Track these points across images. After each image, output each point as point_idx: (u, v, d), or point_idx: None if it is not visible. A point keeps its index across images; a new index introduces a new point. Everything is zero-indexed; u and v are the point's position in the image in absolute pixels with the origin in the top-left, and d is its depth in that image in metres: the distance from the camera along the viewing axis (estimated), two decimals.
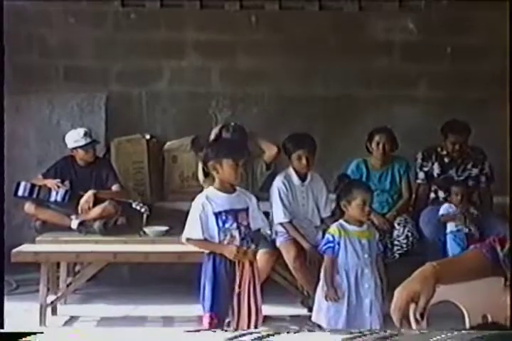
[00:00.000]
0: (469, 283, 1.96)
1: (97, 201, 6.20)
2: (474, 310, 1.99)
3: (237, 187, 4.65)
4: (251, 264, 4.56)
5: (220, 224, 4.44)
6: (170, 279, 6.22)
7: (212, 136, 5.92)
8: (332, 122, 7.44)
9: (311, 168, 5.63)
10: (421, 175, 6.50)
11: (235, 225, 4.47)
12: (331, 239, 4.74)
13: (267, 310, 4.98)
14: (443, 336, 1.47)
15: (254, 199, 4.70)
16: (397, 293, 1.93)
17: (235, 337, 1.50)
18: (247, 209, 4.56)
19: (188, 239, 4.57)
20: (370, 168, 6.36)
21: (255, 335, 1.48)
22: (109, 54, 7.41)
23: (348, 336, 1.48)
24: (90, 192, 6.17)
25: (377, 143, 6.25)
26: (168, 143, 7.27)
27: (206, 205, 4.44)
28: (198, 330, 4.00)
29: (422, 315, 1.86)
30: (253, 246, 4.55)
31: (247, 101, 7.54)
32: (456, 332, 1.55)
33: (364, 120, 7.37)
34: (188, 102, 7.53)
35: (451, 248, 6.02)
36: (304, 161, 5.55)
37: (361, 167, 6.34)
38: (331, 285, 4.69)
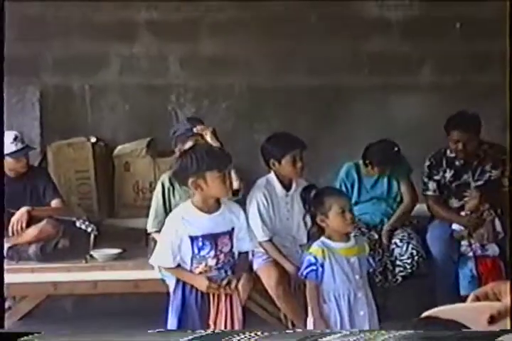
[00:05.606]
0: None
1: (32, 220, 6.14)
2: None
3: (225, 202, 4.62)
4: (229, 296, 4.54)
5: (195, 250, 4.48)
6: (124, 313, 6.19)
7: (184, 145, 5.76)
8: (317, 118, 7.46)
9: (303, 173, 5.58)
10: (431, 185, 6.41)
11: (212, 253, 4.50)
12: (313, 260, 4.72)
13: None
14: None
15: (242, 217, 4.73)
16: None
17: None
18: (231, 232, 4.57)
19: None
20: (364, 172, 6.33)
21: None
22: (42, 37, 7.30)
23: None
24: (24, 210, 6.11)
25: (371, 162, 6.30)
26: (119, 148, 7.25)
27: (180, 228, 4.48)
28: None
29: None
30: (226, 281, 4.50)
31: (214, 94, 7.53)
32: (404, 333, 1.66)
33: (355, 114, 7.39)
34: (142, 97, 7.52)
35: (463, 275, 6.05)
36: (299, 165, 5.47)
37: (352, 173, 6.32)
38: (319, 316, 4.68)
